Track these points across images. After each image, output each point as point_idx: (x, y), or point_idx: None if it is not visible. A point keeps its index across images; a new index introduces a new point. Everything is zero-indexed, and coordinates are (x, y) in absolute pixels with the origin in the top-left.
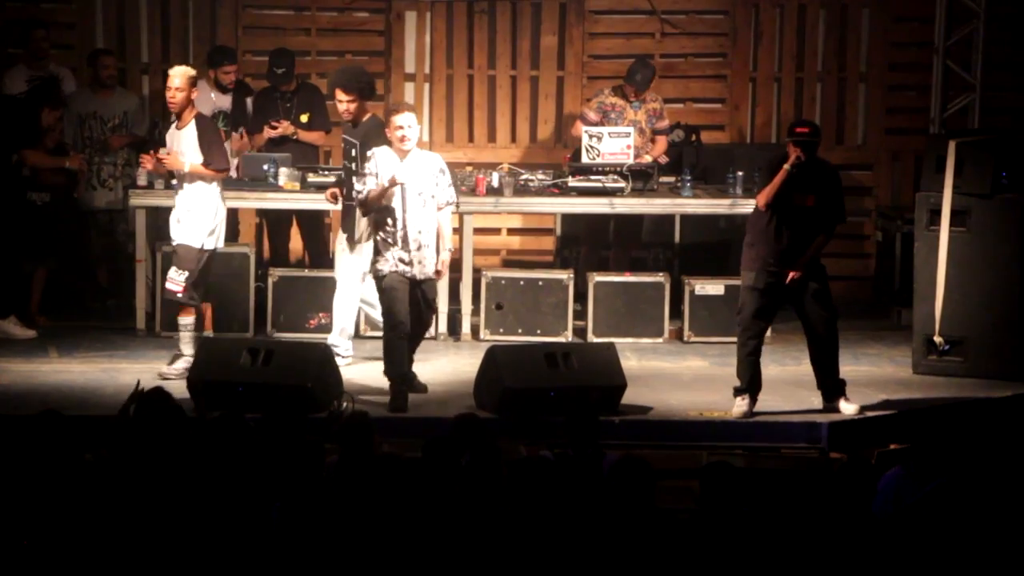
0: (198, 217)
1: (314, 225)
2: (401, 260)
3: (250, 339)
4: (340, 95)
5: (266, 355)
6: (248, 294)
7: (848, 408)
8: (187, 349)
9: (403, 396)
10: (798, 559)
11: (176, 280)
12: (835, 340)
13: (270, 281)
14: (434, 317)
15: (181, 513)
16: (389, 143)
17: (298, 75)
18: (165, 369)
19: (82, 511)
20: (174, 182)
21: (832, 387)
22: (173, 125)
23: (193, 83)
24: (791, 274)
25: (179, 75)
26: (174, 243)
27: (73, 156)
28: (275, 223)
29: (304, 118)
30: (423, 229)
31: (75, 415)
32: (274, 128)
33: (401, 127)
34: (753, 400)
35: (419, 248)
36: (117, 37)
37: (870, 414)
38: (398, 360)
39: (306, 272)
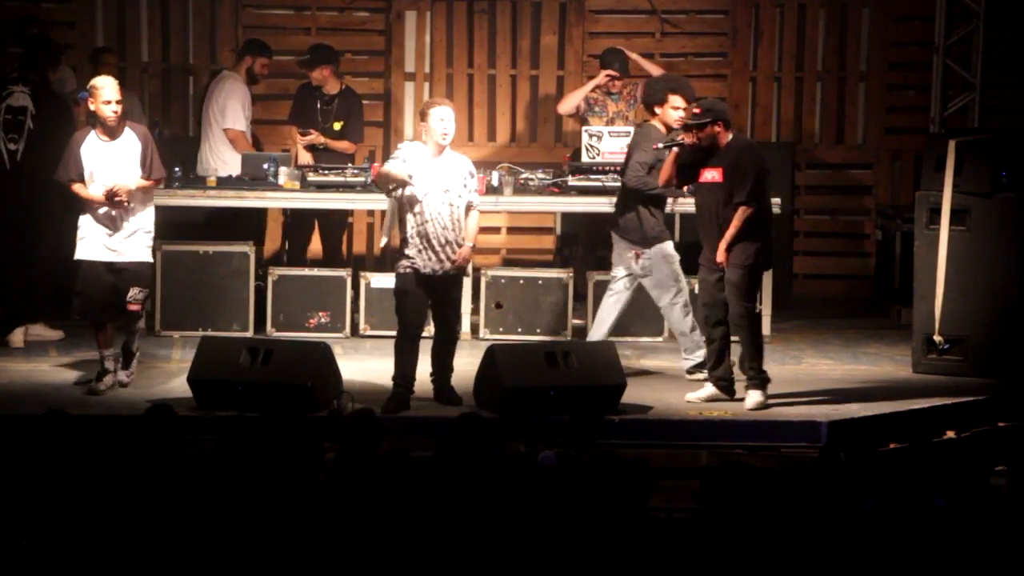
0: (147, 233)
1: (332, 224)
2: (421, 257)
3: (250, 339)
4: (681, 101)
5: (266, 355)
6: (248, 294)
7: (751, 400)
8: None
9: (401, 397)
10: (798, 559)
11: (141, 299)
12: (744, 333)
13: (270, 280)
14: (458, 319)
15: (183, 513)
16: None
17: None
18: (124, 378)
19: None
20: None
21: (748, 378)
22: (98, 141)
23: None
24: (718, 259)
25: (115, 87)
26: (125, 261)
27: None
28: (296, 221)
29: (337, 126)
30: (447, 226)
31: (75, 415)
32: (303, 136)
33: (443, 119)
34: (715, 381)
35: (443, 245)
36: (117, 37)
37: (870, 414)
38: (400, 362)
39: (306, 271)
